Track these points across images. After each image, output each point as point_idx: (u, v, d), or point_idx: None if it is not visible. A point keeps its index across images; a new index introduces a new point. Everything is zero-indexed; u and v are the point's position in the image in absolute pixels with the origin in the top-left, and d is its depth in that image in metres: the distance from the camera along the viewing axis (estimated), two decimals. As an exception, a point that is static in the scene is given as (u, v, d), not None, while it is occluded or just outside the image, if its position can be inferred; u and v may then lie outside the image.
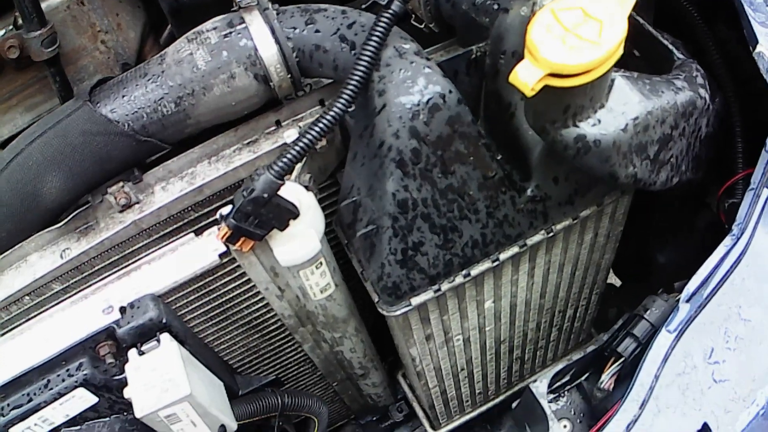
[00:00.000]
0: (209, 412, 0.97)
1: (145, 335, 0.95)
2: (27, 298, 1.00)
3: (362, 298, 1.10)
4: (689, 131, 0.96)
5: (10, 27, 1.02)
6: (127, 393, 0.92)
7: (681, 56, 1.01)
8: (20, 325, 1.00)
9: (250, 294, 1.03)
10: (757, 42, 0.96)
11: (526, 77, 0.73)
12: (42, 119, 0.98)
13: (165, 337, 0.95)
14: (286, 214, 0.88)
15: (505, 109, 0.94)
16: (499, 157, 0.93)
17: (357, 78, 0.86)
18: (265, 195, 0.85)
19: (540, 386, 1.26)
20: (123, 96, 0.93)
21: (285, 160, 0.85)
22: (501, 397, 1.55)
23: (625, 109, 0.86)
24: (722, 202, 1.13)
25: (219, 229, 0.91)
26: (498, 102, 0.95)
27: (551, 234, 1.03)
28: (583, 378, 1.35)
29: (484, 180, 0.92)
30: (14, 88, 1.08)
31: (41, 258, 0.99)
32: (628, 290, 1.65)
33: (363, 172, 0.93)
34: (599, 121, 0.84)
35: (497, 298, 1.13)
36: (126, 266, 0.98)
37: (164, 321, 0.94)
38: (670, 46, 1.02)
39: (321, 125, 0.85)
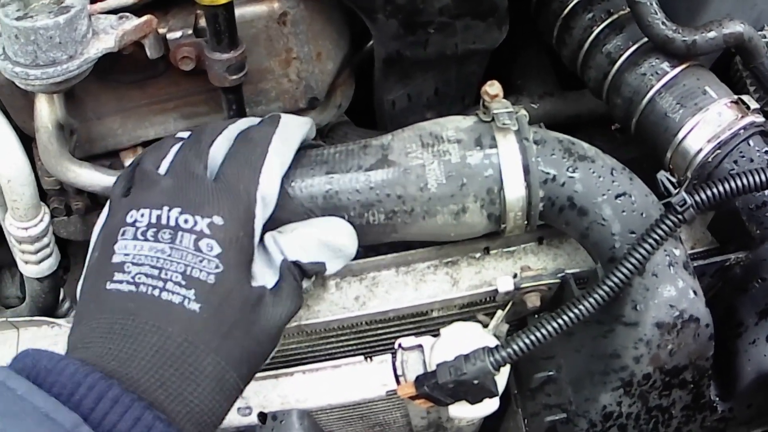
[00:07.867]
0: None
1: (277, 450, 0.86)
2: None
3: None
4: None
5: (189, 31, 0.80)
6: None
7: None
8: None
9: (395, 409, 0.94)
10: None
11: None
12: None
13: (301, 458, 0.86)
14: (485, 394, 0.79)
15: (734, 327, 0.85)
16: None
17: (617, 281, 0.73)
18: (475, 381, 0.76)
19: None
20: (328, 185, 0.78)
21: (506, 353, 0.75)
22: None
23: None
24: None
25: (399, 381, 0.82)
26: (727, 315, 0.85)
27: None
28: None
29: (690, 402, 0.85)
30: (175, 92, 0.86)
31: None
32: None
33: (576, 360, 0.83)
34: None
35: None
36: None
37: (304, 442, 0.85)
38: None
39: (559, 323, 0.74)
